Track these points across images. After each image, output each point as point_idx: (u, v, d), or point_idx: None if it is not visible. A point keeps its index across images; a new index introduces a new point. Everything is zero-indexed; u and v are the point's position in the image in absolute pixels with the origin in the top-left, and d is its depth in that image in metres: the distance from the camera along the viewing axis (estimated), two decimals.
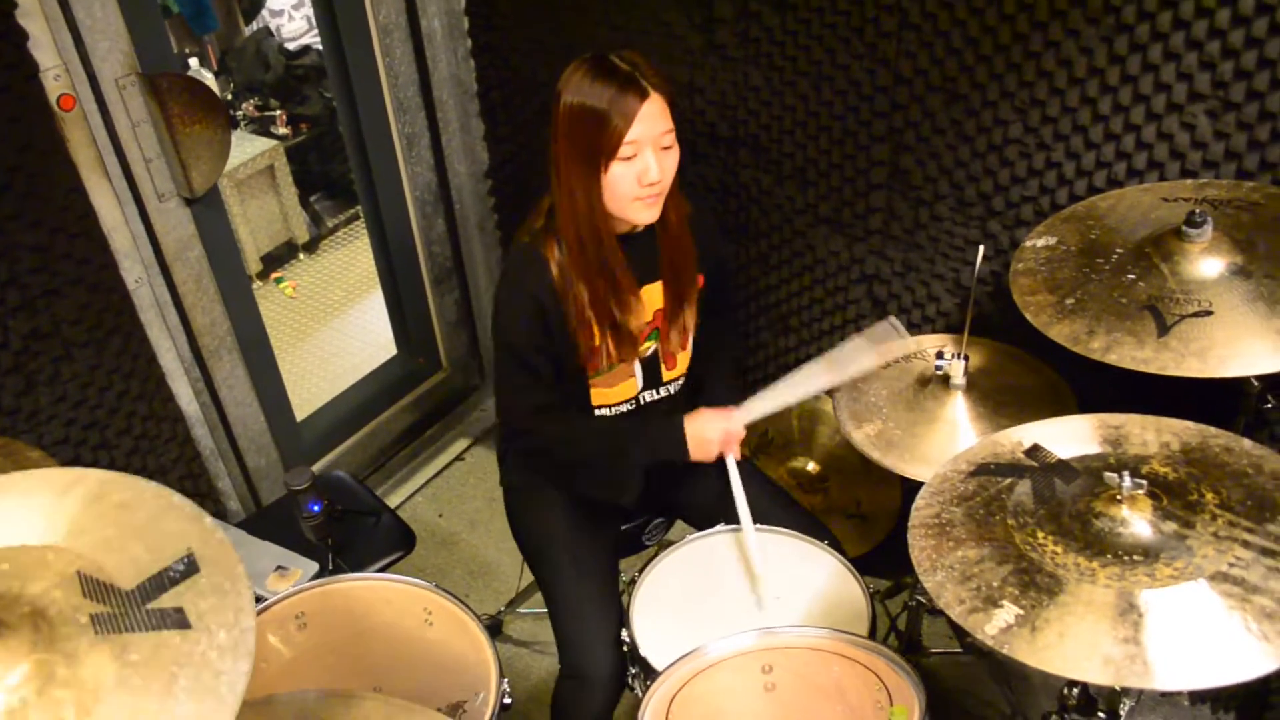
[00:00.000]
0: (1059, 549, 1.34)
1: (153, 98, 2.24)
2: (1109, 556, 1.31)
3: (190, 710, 1.03)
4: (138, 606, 1.11)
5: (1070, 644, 1.22)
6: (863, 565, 1.99)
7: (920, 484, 1.87)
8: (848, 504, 2.75)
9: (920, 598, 2.30)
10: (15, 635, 1.07)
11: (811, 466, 2.78)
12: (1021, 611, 1.26)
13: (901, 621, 2.46)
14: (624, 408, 2.11)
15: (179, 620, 1.09)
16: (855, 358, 2.00)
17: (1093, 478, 1.42)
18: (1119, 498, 1.35)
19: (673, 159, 1.85)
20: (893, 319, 2.03)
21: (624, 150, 1.78)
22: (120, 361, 2.30)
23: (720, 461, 2.06)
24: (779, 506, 2.14)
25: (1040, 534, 1.37)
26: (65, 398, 2.21)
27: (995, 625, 1.26)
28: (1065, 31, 1.92)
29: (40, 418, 2.17)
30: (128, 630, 1.08)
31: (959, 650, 2.53)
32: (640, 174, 1.80)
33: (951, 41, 2.05)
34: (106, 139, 2.20)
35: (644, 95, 1.76)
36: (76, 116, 2.12)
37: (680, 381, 2.15)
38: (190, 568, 1.14)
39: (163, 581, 1.13)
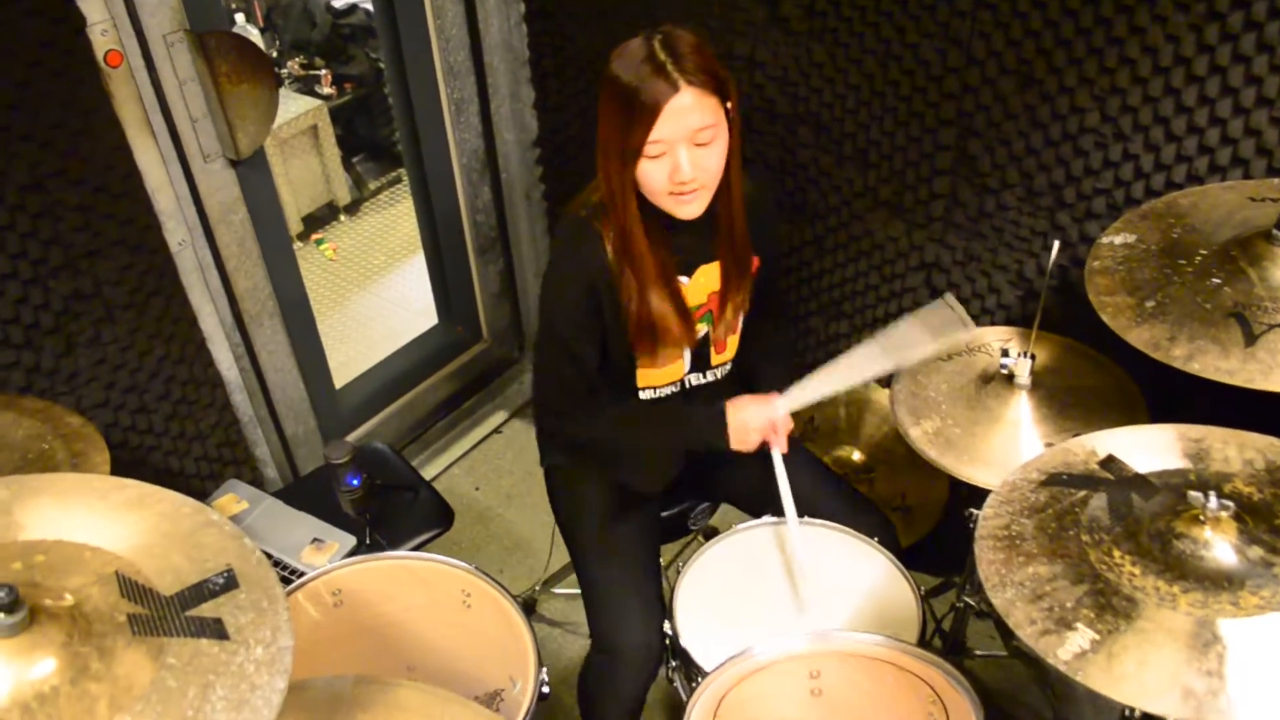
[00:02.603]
0: (1137, 570, 1.27)
1: (201, 56, 2.19)
2: (1190, 581, 1.24)
3: (225, 719, 1.01)
4: (177, 613, 1.09)
5: (1149, 674, 1.15)
6: (906, 559, 1.93)
7: (972, 485, 1.83)
8: (893, 496, 2.68)
9: (969, 599, 2.23)
10: (53, 623, 1.05)
11: (857, 456, 2.72)
12: (1097, 636, 1.20)
13: (947, 622, 2.40)
14: (669, 390, 2.04)
15: (218, 630, 1.07)
16: (909, 343, 1.87)
17: (1173, 494, 1.35)
18: (1202, 518, 1.28)
19: (714, 154, 1.73)
20: (949, 298, 1.86)
21: (650, 149, 1.68)
22: (161, 325, 2.27)
23: (765, 448, 2.00)
24: (828, 494, 2.08)
25: (1117, 553, 1.30)
26: (105, 360, 2.18)
27: (1069, 650, 1.19)
28: (1153, 17, 1.83)
29: (79, 380, 2.15)
30: (166, 634, 1.06)
31: (1003, 654, 2.46)
32: (671, 172, 1.71)
33: (1030, 23, 1.96)
34: (153, 97, 2.15)
35: (673, 89, 1.64)
36: (123, 73, 2.07)
37: (728, 366, 2.09)
38: (230, 583, 1.13)
39: (202, 592, 1.11)
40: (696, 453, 2.06)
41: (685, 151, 1.69)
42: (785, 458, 2.00)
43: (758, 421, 1.95)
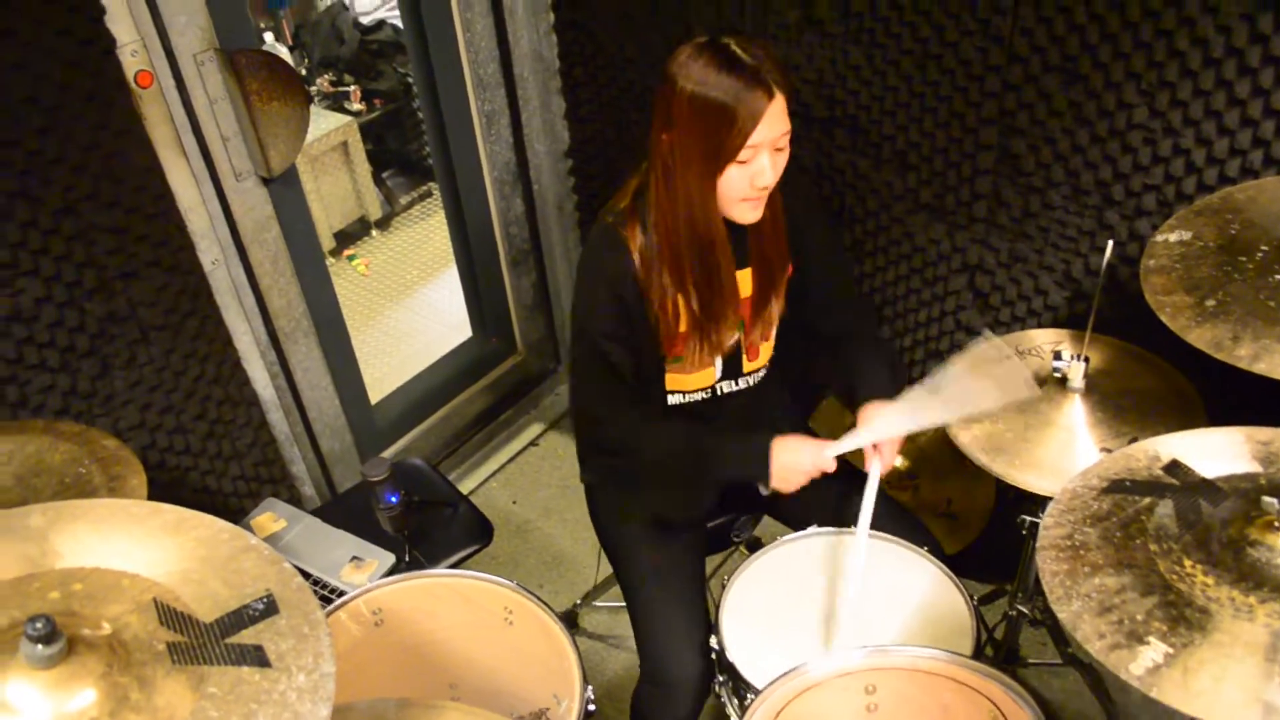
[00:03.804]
0: (1210, 580, 1.22)
1: (231, 75, 2.18)
2: (1267, 590, 1.19)
3: None
4: (216, 640, 1.06)
5: (1228, 689, 1.10)
6: (953, 567, 1.88)
7: (1021, 490, 1.77)
8: (938, 502, 2.63)
9: (1021, 607, 2.18)
10: (92, 654, 1.02)
11: (900, 462, 2.67)
12: (1171, 650, 1.14)
13: (999, 631, 2.34)
14: (699, 396, 2.01)
15: (259, 658, 1.04)
16: (967, 391, 1.79)
17: (1244, 500, 1.29)
18: (1277, 525, 1.22)
19: (784, 160, 1.73)
20: (987, 333, 1.82)
21: (743, 154, 1.66)
22: (196, 345, 2.25)
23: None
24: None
25: (1188, 562, 1.24)
26: (141, 381, 2.17)
27: (1141, 665, 1.14)
28: (1203, 8, 1.77)
29: (115, 402, 2.14)
30: (206, 662, 1.03)
31: (1057, 661, 2.40)
32: (754, 176, 1.69)
33: (1074, 17, 1.90)
34: (184, 117, 2.14)
35: (770, 95, 1.62)
36: (154, 94, 2.07)
37: (761, 373, 2.05)
38: (270, 608, 1.10)
39: (242, 618, 1.08)
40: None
41: (768, 157, 1.69)
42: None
43: (806, 466, 1.87)
